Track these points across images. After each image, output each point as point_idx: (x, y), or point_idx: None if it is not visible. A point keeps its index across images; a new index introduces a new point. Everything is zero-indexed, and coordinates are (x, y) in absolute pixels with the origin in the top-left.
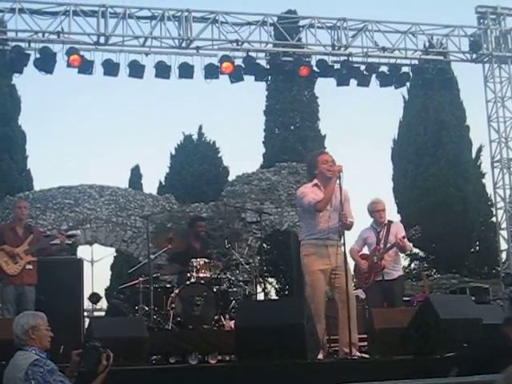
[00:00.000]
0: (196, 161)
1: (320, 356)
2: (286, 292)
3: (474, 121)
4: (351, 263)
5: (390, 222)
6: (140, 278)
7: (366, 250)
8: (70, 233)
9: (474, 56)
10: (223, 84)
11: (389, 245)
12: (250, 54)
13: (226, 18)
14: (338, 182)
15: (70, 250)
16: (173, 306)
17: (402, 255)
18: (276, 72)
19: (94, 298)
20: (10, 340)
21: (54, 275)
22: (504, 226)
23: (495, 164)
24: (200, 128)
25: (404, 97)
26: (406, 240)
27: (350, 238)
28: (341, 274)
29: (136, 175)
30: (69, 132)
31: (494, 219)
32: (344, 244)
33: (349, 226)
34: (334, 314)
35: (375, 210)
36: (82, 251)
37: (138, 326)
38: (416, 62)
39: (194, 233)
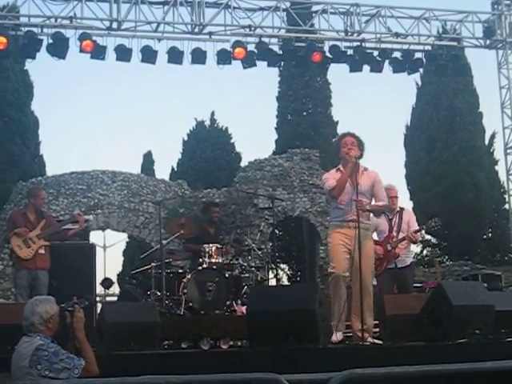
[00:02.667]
0: (208, 147)
1: (336, 337)
2: (298, 278)
3: (487, 107)
4: None
5: (402, 209)
6: (152, 264)
7: (375, 237)
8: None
9: (488, 42)
10: (236, 70)
11: (401, 234)
12: (262, 39)
13: (239, 4)
14: (356, 166)
15: (82, 235)
16: (185, 291)
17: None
18: (289, 58)
19: (107, 283)
20: None
21: (66, 260)
22: None
23: (508, 151)
24: (212, 114)
25: (417, 83)
26: (417, 233)
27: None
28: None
29: (148, 161)
30: (81, 117)
31: (506, 206)
32: (358, 229)
33: (380, 210)
34: (349, 301)
35: (388, 196)
36: (95, 236)
37: (150, 311)
38: (429, 47)
39: (208, 218)
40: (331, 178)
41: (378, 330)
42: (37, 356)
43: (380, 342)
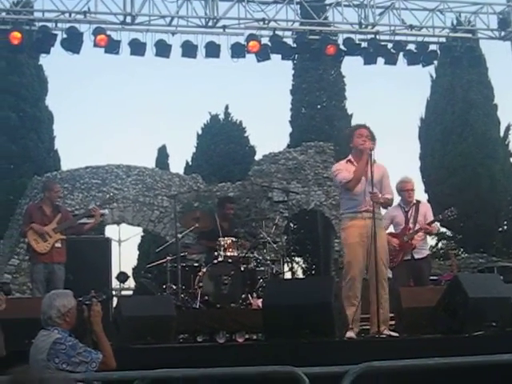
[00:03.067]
0: (222, 140)
1: (352, 334)
2: (313, 271)
3: (502, 99)
4: None
5: (419, 202)
6: (167, 257)
7: (391, 229)
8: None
9: (503, 33)
10: (250, 63)
11: (418, 226)
12: (276, 32)
13: None
14: (370, 158)
15: (97, 230)
16: (200, 284)
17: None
18: (303, 51)
19: (122, 277)
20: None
21: (82, 254)
22: None
23: None
24: (226, 108)
25: (431, 75)
26: (433, 225)
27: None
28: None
29: (163, 155)
30: (96, 112)
31: None
32: (374, 221)
33: (387, 203)
34: (365, 293)
35: (404, 189)
36: (110, 231)
37: (166, 304)
38: (444, 39)
39: (223, 213)
40: (344, 169)
41: (393, 322)
42: (54, 349)
43: (396, 334)
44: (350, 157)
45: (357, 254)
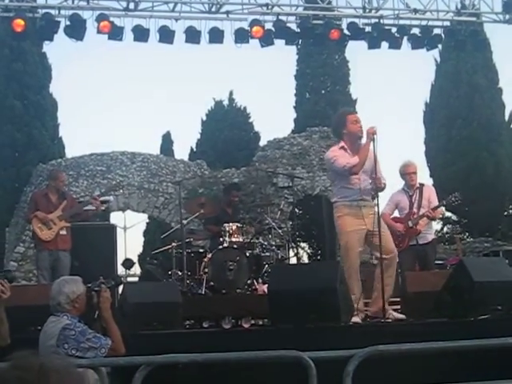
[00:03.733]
0: (227, 126)
1: (357, 319)
2: (318, 257)
3: (507, 83)
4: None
5: (422, 185)
6: (173, 244)
7: (396, 214)
8: (102, 199)
9: (507, 17)
10: (253, 49)
11: (422, 210)
12: (280, 17)
13: None
14: (371, 144)
15: (103, 216)
16: (206, 270)
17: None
18: (306, 36)
19: (128, 263)
20: (47, 306)
21: (87, 241)
22: None
23: None
24: (231, 93)
25: (436, 59)
26: (437, 210)
27: (381, 201)
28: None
29: (167, 142)
30: (100, 99)
31: None
32: (378, 205)
33: (382, 189)
34: (366, 278)
35: (406, 172)
36: (115, 217)
37: (172, 290)
38: (448, 23)
39: (228, 200)
40: (340, 155)
41: (399, 306)
42: (64, 335)
43: (403, 316)
44: (342, 143)
45: (353, 243)
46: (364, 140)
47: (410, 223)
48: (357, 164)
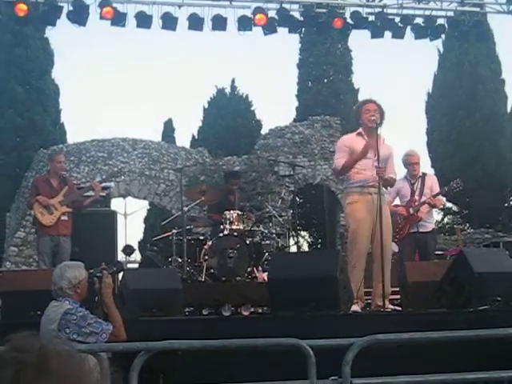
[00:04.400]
0: (229, 114)
1: (357, 308)
2: (319, 246)
3: (509, 74)
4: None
5: (425, 174)
6: (173, 230)
7: (397, 201)
8: (103, 185)
9: (511, 7)
10: (256, 36)
11: (424, 197)
12: (283, 5)
13: None
14: (377, 133)
15: (103, 203)
16: (206, 257)
17: (435, 209)
18: (310, 24)
19: (128, 250)
20: (48, 290)
21: (88, 227)
22: None
23: None
24: (233, 81)
25: (439, 50)
26: (438, 198)
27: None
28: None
29: (169, 128)
30: (102, 85)
31: None
32: (379, 198)
33: (389, 183)
34: (368, 268)
35: (409, 162)
36: (116, 204)
37: (172, 277)
38: (451, 13)
39: (227, 188)
40: (342, 151)
41: (399, 296)
42: (65, 320)
43: (399, 308)
44: (360, 130)
45: (363, 230)
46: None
47: (412, 210)
48: (341, 169)
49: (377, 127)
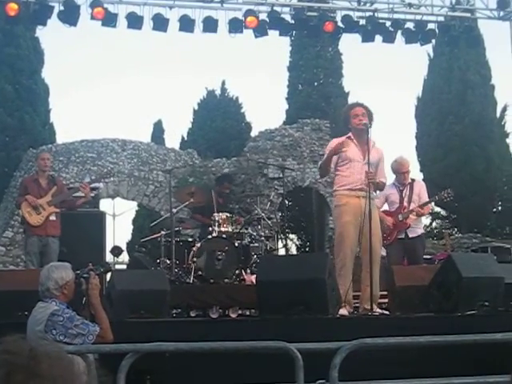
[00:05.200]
0: (219, 116)
1: (344, 311)
2: (307, 248)
3: (499, 80)
4: None
5: (413, 181)
6: (162, 232)
7: (385, 207)
8: (92, 185)
9: (502, 13)
10: (247, 39)
11: (413, 205)
12: (274, 8)
13: None
14: (367, 135)
15: (92, 203)
16: (194, 259)
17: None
18: (300, 27)
19: (116, 251)
20: (35, 291)
21: (76, 227)
22: None
23: None
24: (223, 83)
25: (429, 54)
26: (426, 206)
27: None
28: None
29: (158, 130)
30: (92, 86)
31: None
32: (369, 202)
33: (379, 186)
34: (356, 271)
35: (400, 171)
36: (104, 205)
37: (160, 279)
38: (442, 18)
39: (219, 191)
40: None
41: (386, 300)
42: (52, 321)
43: (387, 312)
44: (349, 134)
45: (349, 233)
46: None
47: (401, 217)
48: (319, 166)
49: (366, 130)
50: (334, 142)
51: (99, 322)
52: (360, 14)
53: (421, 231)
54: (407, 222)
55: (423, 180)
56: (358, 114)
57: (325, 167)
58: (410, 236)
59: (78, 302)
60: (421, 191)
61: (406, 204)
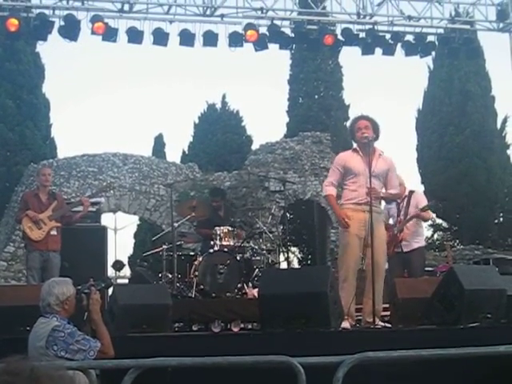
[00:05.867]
0: (219, 130)
1: (347, 324)
2: (309, 261)
3: (499, 91)
4: None
5: (412, 193)
6: (163, 246)
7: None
8: (93, 200)
9: (501, 25)
10: (247, 52)
11: (408, 216)
12: (274, 22)
13: None
14: (370, 148)
15: (94, 218)
16: (196, 273)
17: (424, 225)
18: (300, 40)
19: (118, 265)
20: (36, 306)
21: (78, 242)
22: None
23: None
24: (223, 97)
25: (429, 66)
26: (426, 212)
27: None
28: (374, 240)
29: (159, 144)
30: (93, 100)
31: None
32: (371, 216)
33: (390, 198)
34: (360, 284)
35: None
36: (106, 219)
37: (162, 293)
38: (442, 31)
39: (211, 204)
40: (335, 170)
41: (388, 313)
42: (53, 337)
43: (389, 325)
44: (355, 146)
45: (353, 246)
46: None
47: (395, 230)
48: (326, 197)
49: (369, 143)
50: (341, 157)
51: (100, 337)
52: (360, 26)
53: (418, 245)
54: (400, 235)
55: (424, 192)
56: (360, 127)
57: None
58: (406, 250)
59: (80, 317)
60: (419, 203)
61: (401, 217)
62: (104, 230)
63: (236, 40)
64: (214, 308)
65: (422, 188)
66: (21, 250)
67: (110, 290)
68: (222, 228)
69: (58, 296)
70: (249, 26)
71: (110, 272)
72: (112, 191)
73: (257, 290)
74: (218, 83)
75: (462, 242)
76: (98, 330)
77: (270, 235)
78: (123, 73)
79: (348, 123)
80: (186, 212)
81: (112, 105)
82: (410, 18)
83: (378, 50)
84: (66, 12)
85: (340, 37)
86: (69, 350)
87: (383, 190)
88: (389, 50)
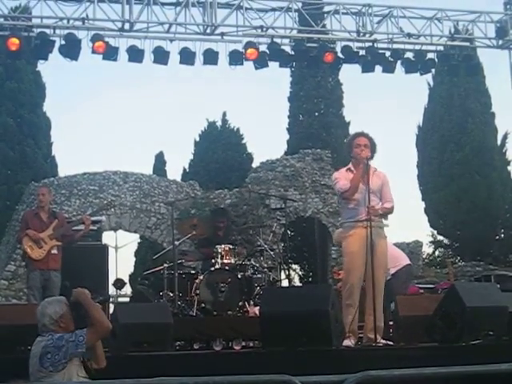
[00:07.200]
0: (220, 147)
1: (349, 342)
2: (310, 279)
3: (499, 108)
4: None
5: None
6: (164, 264)
7: None
8: (94, 218)
9: (501, 42)
10: (248, 70)
11: None
12: (274, 40)
13: (251, 4)
14: (367, 167)
15: (95, 236)
16: (197, 292)
17: (425, 242)
18: (300, 58)
19: (119, 283)
20: (36, 325)
21: (79, 261)
22: None
23: None
24: (224, 114)
25: (429, 83)
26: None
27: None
28: (375, 256)
29: (160, 162)
30: (93, 118)
31: None
32: (370, 232)
33: (387, 213)
34: (361, 301)
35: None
36: (106, 237)
37: (163, 311)
38: (441, 48)
39: (214, 225)
40: (342, 178)
41: (390, 330)
42: (44, 353)
43: (391, 343)
44: (350, 165)
45: (356, 263)
46: (372, 161)
47: None
48: (348, 189)
49: (366, 162)
50: (337, 175)
51: (91, 315)
52: (360, 44)
53: (394, 270)
54: None
55: (425, 209)
56: (360, 143)
57: (353, 193)
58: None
59: (82, 324)
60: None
61: None
62: (105, 248)
63: (236, 58)
64: (215, 326)
65: (422, 205)
66: (22, 268)
67: (111, 309)
68: (223, 246)
69: (51, 316)
70: (249, 45)
71: (111, 290)
72: (113, 209)
73: (258, 308)
74: (219, 101)
75: (463, 259)
76: (88, 310)
77: (271, 253)
78: (123, 91)
79: (347, 139)
80: (186, 230)
81: (112, 122)
82: (409, 35)
83: (378, 68)
84: (66, 31)
85: (340, 54)
86: (58, 364)
87: (379, 205)
88: (389, 68)
